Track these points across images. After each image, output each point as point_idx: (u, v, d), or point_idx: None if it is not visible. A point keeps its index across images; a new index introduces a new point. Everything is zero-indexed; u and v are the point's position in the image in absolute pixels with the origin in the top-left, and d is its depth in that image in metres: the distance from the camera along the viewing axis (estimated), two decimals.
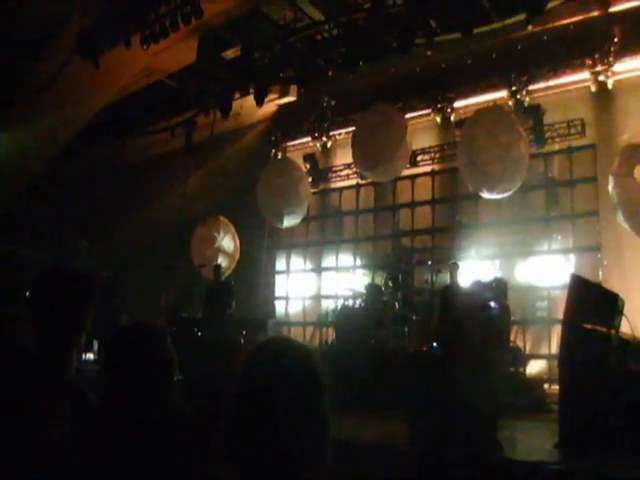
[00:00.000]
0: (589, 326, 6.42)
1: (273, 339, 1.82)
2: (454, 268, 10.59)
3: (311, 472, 1.62)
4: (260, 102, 13.04)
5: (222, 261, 13.66)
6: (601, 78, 10.65)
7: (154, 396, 2.27)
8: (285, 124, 14.36)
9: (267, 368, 1.66)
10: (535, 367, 10.09)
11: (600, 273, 10.26)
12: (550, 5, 10.24)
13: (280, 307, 14.81)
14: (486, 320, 9.70)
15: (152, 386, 2.28)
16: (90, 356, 10.87)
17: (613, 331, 6.50)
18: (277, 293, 14.98)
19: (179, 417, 2.34)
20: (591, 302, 6.66)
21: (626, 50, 10.38)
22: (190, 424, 2.37)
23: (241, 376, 1.70)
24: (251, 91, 13.22)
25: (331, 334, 11.86)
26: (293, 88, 13.87)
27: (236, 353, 7.93)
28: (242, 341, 8.90)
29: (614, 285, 7.83)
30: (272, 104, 14.22)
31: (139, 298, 12.19)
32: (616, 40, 10.35)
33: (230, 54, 12.87)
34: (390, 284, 11.33)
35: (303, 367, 1.68)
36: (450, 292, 10.47)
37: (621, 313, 6.79)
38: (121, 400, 2.25)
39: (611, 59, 10.51)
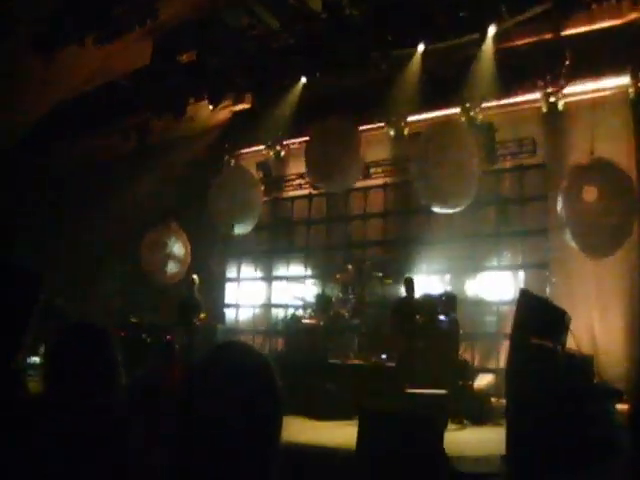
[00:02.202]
0: (536, 340, 6.54)
1: (230, 344, 1.75)
2: (409, 282, 10.72)
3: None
4: (214, 107, 13.04)
5: (172, 267, 13.61)
6: (552, 99, 10.80)
7: (93, 397, 2.23)
8: (239, 131, 14.24)
9: (223, 374, 1.60)
10: (483, 380, 10.23)
11: (548, 290, 10.41)
12: (504, 26, 10.47)
13: (230, 314, 14.76)
14: (436, 333, 9.88)
15: (92, 387, 2.25)
16: (36, 359, 10.64)
17: (559, 346, 6.63)
18: (227, 300, 14.92)
19: (119, 420, 2.30)
20: (539, 317, 6.79)
21: (576, 73, 10.55)
22: (132, 428, 2.35)
23: (194, 381, 1.64)
24: (205, 96, 13.18)
25: (280, 343, 11.87)
26: (248, 95, 13.79)
27: (169, 356, 7.89)
28: (175, 345, 8.83)
29: (561, 302, 7.93)
30: (226, 111, 14.16)
31: (87, 301, 12.05)
32: (567, 63, 10.52)
33: (185, 58, 12.77)
34: (340, 295, 11.40)
35: (261, 376, 1.63)
36: (403, 306, 10.61)
37: (567, 329, 6.94)
38: (59, 398, 2.22)
39: (562, 81, 10.66)
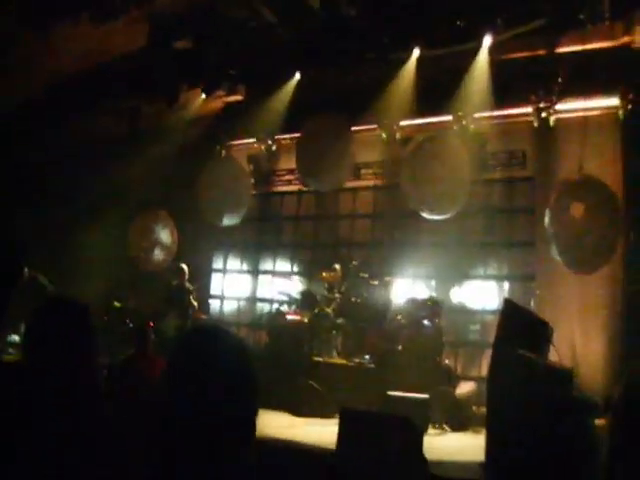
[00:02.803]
0: (517, 351, 6.70)
1: (204, 328, 1.85)
2: (388, 284, 10.92)
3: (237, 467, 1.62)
4: (208, 96, 13.14)
5: (158, 254, 13.65)
6: (543, 114, 10.95)
7: (70, 371, 2.25)
8: (231, 122, 14.21)
9: (198, 356, 1.63)
10: (465, 388, 10.39)
11: (532, 302, 10.62)
12: (499, 38, 10.62)
13: (215, 306, 14.82)
14: (419, 337, 10.04)
15: (69, 359, 2.27)
16: (16, 337, 10.63)
17: (540, 357, 6.80)
18: (212, 291, 14.96)
19: (94, 398, 2.34)
20: (521, 327, 6.93)
21: (568, 91, 10.72)
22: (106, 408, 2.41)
23: (170, 363, 1.68)
24: (199, 85, 13.20)
25: (264, 337, 11.96)
26: (241, 87, 13.80)
27: (143, 342, 7.99)
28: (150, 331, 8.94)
29: (544, 314, 8.11)
30: (219, 101, 14.14)
31: (70, 284, 12.03)
32: (560, 80, 10.68)
33: (181, 45, 12.75)
34: (326, 293, 11.51)
35: (236, 358, 1.66)
36: (384, 308, 10.81)
37: (549, 341, 7.11)
38: (36, 369, 2.25)
39: (554, 97, 10.81)
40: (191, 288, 12.28)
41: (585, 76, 10.50)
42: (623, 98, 10.37)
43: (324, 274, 11.70)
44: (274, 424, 8.45)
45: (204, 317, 12.67)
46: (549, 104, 10.91)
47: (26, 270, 10.51)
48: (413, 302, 10.54)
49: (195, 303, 12.13)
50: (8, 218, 11.97)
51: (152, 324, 11.00)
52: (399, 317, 10.52)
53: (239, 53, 12.55)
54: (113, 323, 11.61)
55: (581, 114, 10.95)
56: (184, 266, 12.39)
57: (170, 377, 1.65)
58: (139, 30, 11.80)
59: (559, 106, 10.89)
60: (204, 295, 14.33)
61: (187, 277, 12.32)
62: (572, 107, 11.00)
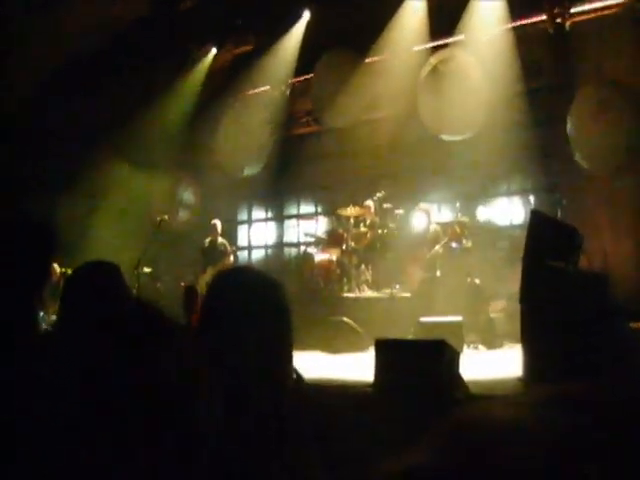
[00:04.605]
0: (548, 261, 6.52)
1: (238, 268, 1.81)
2: (413, 212, 10.80)
3: (278, 394, 1.62)
4: (218, 50, 13.24)
5: (183, 214, 13.70)
6: (558, 20, 10.57)
7: (109, 330, 2.21)
8: (244, 73, 14.01)
9: (232, 296, 1.64)
10: (497, 306, 10.20)
11: (559, 212, 10.38)
12: None
13: (242, 256, 14.77)
14: (448, 260, 9.91)
15: (108, 319, 2.23)
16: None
17: (571, 266, 6.61)
18: (239, 243, 14.89)
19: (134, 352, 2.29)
20: (550, 238, 6.75)
21: None
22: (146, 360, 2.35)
23: (204, 304, 1.69)
24: (208, 41, 13.11)
25: (294, 281, 11.91)
26: (250, 36, 13.63)
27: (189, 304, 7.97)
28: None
29: (572, 224, 7.91)
30: (230, 53, 14.03)
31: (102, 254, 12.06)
32: None
33: (185, 5, 12.65)
34: (353, 229, 11.40)
35: (270, 296, 1.67)
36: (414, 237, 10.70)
37: (579, 248, 6.91)
38: (75, 333, 2.20)
39: (568, 1, 10.45)
40: (225, 242, 12.30)
41: None
42: None
43: (349, 210, 11.51)
44: (310, 364, 8.38)
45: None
46: (563, 8, 10.50)
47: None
48: (439, 226, 10.43)
49: (232, 258, 12.15)
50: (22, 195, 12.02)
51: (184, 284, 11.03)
52: (437, 247, 10.28)
53: (243, 3, 12.41)
54: (145, 288, 11.58)
55: (596, 14, 10.49)
56: (216, 222, 12.39)
57: (206, 316, 1.67)
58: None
59: (573, 9, 10.46)
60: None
61: (220, 232, 12.34)
62: (587, 8, 10.55)
